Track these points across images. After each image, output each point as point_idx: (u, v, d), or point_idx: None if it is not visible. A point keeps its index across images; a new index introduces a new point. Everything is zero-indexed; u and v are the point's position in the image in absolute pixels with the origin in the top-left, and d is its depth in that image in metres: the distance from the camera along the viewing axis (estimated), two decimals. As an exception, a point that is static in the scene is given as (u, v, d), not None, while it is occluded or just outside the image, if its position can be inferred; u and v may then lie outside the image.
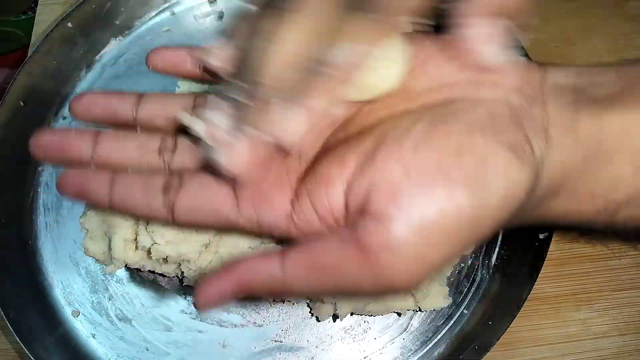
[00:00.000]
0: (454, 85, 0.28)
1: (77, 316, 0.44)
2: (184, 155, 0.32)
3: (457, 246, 0.26)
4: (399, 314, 0.44)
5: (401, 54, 0.29)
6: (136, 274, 0.45)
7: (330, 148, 0.29)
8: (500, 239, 0.46)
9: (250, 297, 0.28)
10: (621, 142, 0.27)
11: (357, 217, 0.26)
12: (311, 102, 0.26)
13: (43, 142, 0.32)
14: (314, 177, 0.28)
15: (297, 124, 0.27)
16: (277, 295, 0.28)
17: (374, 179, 0.26)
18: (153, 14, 0.53)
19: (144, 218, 0.32)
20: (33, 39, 0.54)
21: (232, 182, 0.29)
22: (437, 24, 0.29)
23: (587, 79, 0.29)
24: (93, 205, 0.34)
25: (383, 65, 0.28)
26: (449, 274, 0.44)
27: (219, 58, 0.29)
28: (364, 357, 0.44)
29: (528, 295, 0.42)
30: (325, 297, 0.28)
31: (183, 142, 0.32)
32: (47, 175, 0.47)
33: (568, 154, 0.28)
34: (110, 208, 0.31)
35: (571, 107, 0.28)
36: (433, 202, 0.25)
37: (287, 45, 0.25)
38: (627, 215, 0.29)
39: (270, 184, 0.29)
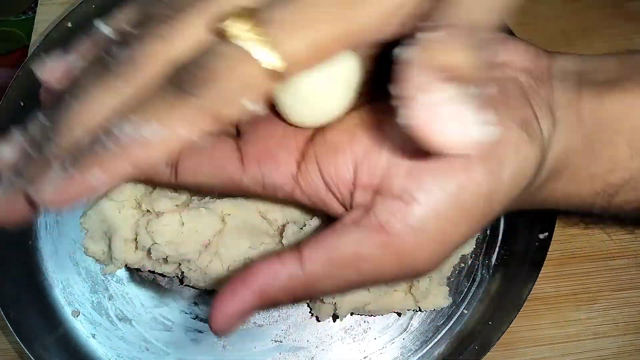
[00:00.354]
0: None
1: (77, 316, 0.44)
2: None
3: (475, 224, 0.26)
4: (399, 314, 0.44)
5: (354, 74, 0.27)
6: (136, 274, 0.45)
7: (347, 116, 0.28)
8: (500, 239, 0.46)
9: (273, 306, 0.26)
10: (620, 123, 0.28)
11: (371, 196, 0.26)
12: (84, 174, 0.23)
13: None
14: (323, 141, 0.27)
15: (56, 190, 0.23)
16: (300, 298, 0.26)
17: (392, 157, 0.26)
18: (153, 14, 0.53)
19: (147, 178, 0.29)
20: (33, 39, 0.54)
21: (236, 139, 0.28)
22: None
23: (591, 66, 0.30)
24: None
25: (335, 91, 0.27)
26: (449, 274, 0.44)
27: (49, 72, 0.27)
28: (364, 357, 0.44)
29: (528, 295, 0.42)
30: (350, 291, 0.27)
31: None
32: (47, 175, 0.47)
33: (571, 134, 0.28)
34: None
35: (575, 90, 0.28)
36: (453, 179, 0.25)
37: (94, 106, 0.23)
38: (623, 199, 0.30)
39: (276, 142, 0.28)
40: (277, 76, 0.22)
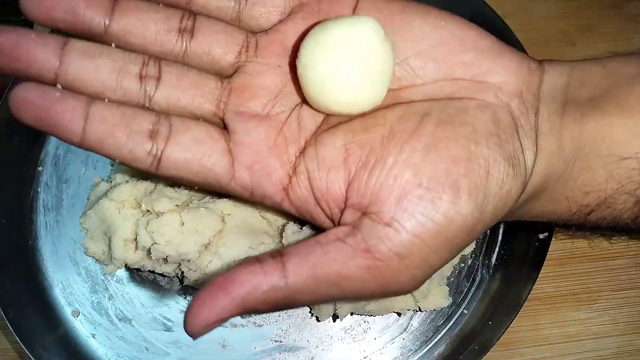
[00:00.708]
0: (459, 80, 0.28)
1: (77, 316, 0.44)
2: (170, 89, 0.28)
3: (455, 250, 0.27)
4: (399, 314, 0.44)
5: (389, 68, 0.28)
6: (136, 274, 0.45)
7: (332, 125, 0.29)
8: (500, 239, 0.46)
9: (249, 313, 0.26)
10: (598, 146, 0.29)
11: (359, 216, 0.26)
12: None
13: None
14: (316, 157, 0.28)
15: None
16: (279, 308, 0.26)
17: (384, 181, 0.26)
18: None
19: (122, 162, 0.27)
20: (33, 39, 0.54)
21: (224, 134, 0.28)
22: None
23: (577, 77, 0.30)
24: (59, 138, 0.26)
25: (369, 83, 0.28)
26: (449, 274, 0.44)
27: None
28: (364, 357, 0.44)
29: (528, 295, 0.42)
30: (328, 302, 0.28)
31: (169, 69, 0.28)
32: (47, 175, 0.47)
33: (552, 161, 0.29)
34: (81, 145, 0.27)
35: (559, 113, 0.29)
36: (442, 210, 0.26)
37: None
38: (598, 217, 0.31)
39: (269, 151, 0.28)
40: None
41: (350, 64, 0.27)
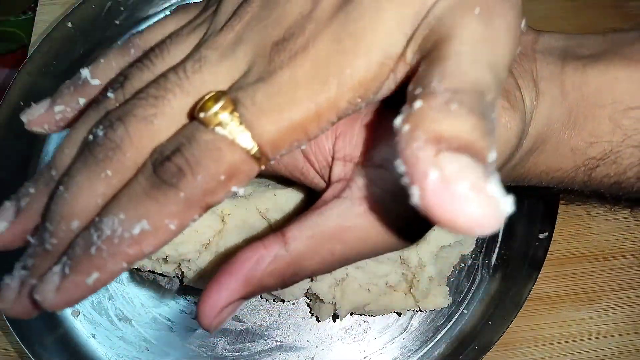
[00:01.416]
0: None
1: (77, 316, 0.44)
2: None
3: None
4: (399, 314, 0.44)
5: None
6: (136, 274, 0.45)
7: None
8: (500, 239, 0.46)
9: (261, 293, 0.26)
10: (603, 96, 0.28)
11: (352, 168, 0.26)
12: (82, 276, 0.23)
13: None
14: None
15: (57, 292, 0.24)
16: (288, 281, 0.26)
17: (374, 132, 0.26)
18: (153, 13, 0.53)
19: None
20: (33, 39, 0.54)
21: None
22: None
23: (575, 42, 0.30)
24: None
25: None
26: (449, 274, 0.44)
27: (34, 122, 0.28)
28: (364, 357, 0.44)
29: (528, 295, 0.42)
30: (335, 268, 0.26)
31: None
32: (47, 175, 0.47)
33: (554, 106, 0.28)
34: None
35: (559, 63, 0.29)
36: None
37: (83, 196, 0.24)
38: (604, 173, 0.30)
39: None
40: (258, 160, 0.22)
41: None
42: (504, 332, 0.41)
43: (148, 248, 0.23)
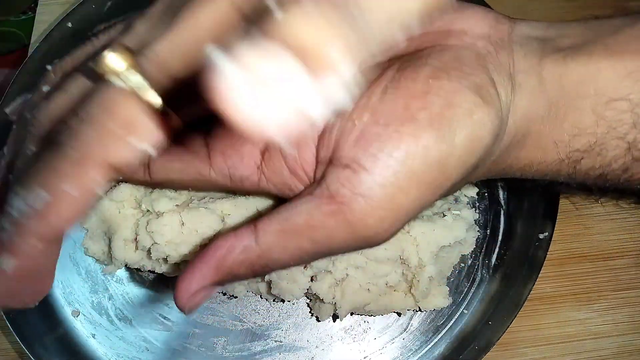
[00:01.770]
0: (423, 35, 0.28)
1: (77, 316, 0.44)
2: None
3: (428, 190, 0.25)
4: (399, 314, 0.44)
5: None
6: (136, 274, 0.45)
7: None
8: (500, 239, 0.46)
9: (233, 281, 0.27)
10: (585, 88, 0.27)
11: (325, 167, 0.26)
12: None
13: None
14: None
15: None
16: (259, 271, 0.27)
17: (344, 127, 0.26)
18: (153, 14, 0.53)
19: (125, 178, 0.31)
20: (33, 39, 0.54)
21: (203, 135, 0.29)
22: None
23: (555, 32, 0.29)
24: None
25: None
26: (449, 274, 0.44)
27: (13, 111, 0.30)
28: (364, 357, 0.44)
29: (528, 295, 0.42)
30: (306, 262, 0.27)
31: None
32: (47, 175, 0.47)
33: (533, 99, 0.28)
34: None
35: (537, 54, 0.28)
36: (401, 144, 0.25)
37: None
38: (588, 165, 0.29)
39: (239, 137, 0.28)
40: (158, 113, 0.22)
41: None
42: (504, 332, 0.41)
43: (57, 221, 0.22)
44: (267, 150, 0.28)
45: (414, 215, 0.26)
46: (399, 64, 0.27)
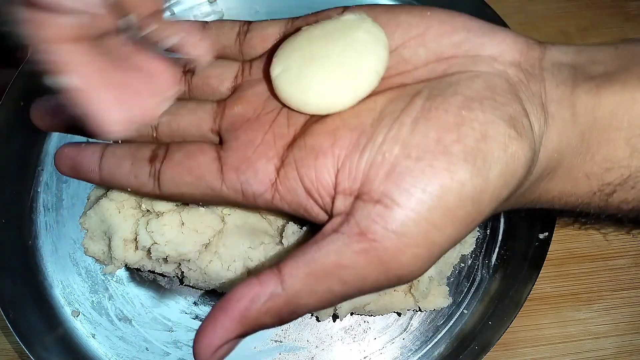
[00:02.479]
0: (452, 58, 0.27)
1: (77, 316, 0.44)
2: (171, 116, 0.31)
3: (462, 226, 0.24)
4: (399, 314, 0.44)
5: (381, 61, 0.27)
6: (136, 274, 0.45)
7: (321, 117, 0.28)
8: (500, 238, 0.46)
9: (259, 330, 0.25)
10: (618, 119, 0.26)
11: (352, 202, 0.25)
12: None
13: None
14: (304, 144, 0.27)
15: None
16: (286, 318, 0.25)
17: (373, 160, 0.25)
18: (153, 14, 0.53)
19: (133, 191, 0.31)
20: (33, 39, 0.54)
21: (217, 147, 0.29)
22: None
23: (586, 57, 0.28)
24: (86, 180, 0.32)
25: (362, 75, 0.27)
26: (449, 274, 0.44)
27: None
28: (364, 357, 0.44)
29: (528, 295, 0.42)
30: (334, 304, 0.26)
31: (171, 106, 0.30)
32: (47, 175, 0.47)
33: (565, 130, 0.27)
34: (100, 181, 0.31)
35: (569, 84, 0.27)
36: (435, 179, 0.24)
37: None
38: (621, 198, 0.28)
39: (256, 150, 0.28)
40: None
41: (320, 62, 0.27)
42: (504, 332, 0.41)
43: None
44: (283, 166, 0.27)
45: (447, 250, 0.25)
46: (427, 92, 0.26)
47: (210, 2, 0.53)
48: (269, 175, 0.27)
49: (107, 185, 0.32)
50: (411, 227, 0.24)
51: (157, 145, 0.30)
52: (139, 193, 0.32)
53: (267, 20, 0.33)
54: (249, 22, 0.33)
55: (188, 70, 0.33)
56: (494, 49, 0.27)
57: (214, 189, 0.28)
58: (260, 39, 0.32)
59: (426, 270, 0.25)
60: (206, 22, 0.33)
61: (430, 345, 0.44)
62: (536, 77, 0.27)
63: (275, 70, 0.28)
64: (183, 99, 0.32)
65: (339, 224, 0.25)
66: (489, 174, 0.24)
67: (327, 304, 0.26)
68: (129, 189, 0.31)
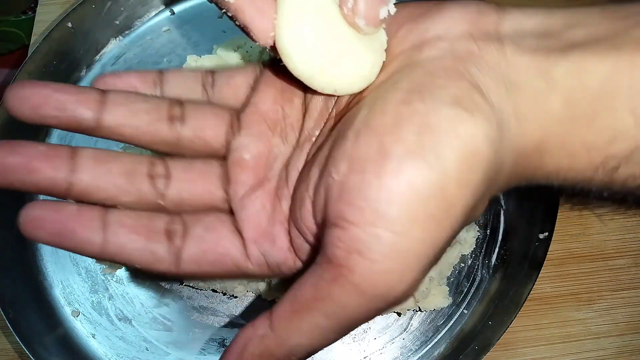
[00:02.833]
0: (399, 55, 0.25)
1: (77, 316, 0.44)
2: (180, 184, 0.27)
3: (432, 224, 0.22)
4: (399, 314, 0.44)
5: (382, 43, 0.26)
6: (136, 274, 0.45)
7: (307, 164, 0.27)
8: (500, 239, 0.46)
9: None
10: (615, 85, 0.23)
11: (320, 231, 0.24)
12: None
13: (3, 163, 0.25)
14: (294, 200, 0.26)
15: None
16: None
17: (327, 184, 0.23)
18: (153, 13, 0.53)
19: (144, 267, 0.26)
20: (33, 39, 0.54)
21: (231, 217, 0.27)
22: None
23: (561, 20, 0.25)
24: (77, 251, 0.26)
25: (366, 58, 0.25)
26: (449, 274, 0.44)
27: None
28: (364, 357, 0.44)
29: (528, 295, 0.42)
30: (332, 340, 0.25)
31: (175, 164, 0.28)
32: (47, 175, 0.47)
33: (543, 99, 0.24)
34: (102, 255, 0.26)
35: (541, 50, 0.24)
36: (383, 187, 0.21)
37: None
38: (628, 173, 0.25)
39: (267, 217, 0.27)
40: None
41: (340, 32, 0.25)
42: (504, 332, 0.41)
43: None
44: (290, 228, 0.26)
45: (433, 255, 0.23)
46: (370, 101, 0.24)
47: (210, 2, 0.53)
48: (285, 241, 0.26)
49: (106, 260, 0.27)
50: (372, 243, 0.22)
51: (168, 215, 0.27)
52: (149, 269, 0.27)
53: (233, 68, 0.31)
54: (212, 72, 0.30)
55: (174, 116, 0.28)
56: (438, 28, 0.25)
57: (239, 266, 0.26)
58: (230, 90, 0.30)
59: (413, 281, 0.23)
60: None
61: (430, 345, 0.44)
62: (492, 43, 0.24)
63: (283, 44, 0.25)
64: (185, 158, 0.29)
65: (317, 256, 0.24)
66: (444, 163, 0.22)
67: (323, 341, 0.24)
68: (137, 265, 0.26)
